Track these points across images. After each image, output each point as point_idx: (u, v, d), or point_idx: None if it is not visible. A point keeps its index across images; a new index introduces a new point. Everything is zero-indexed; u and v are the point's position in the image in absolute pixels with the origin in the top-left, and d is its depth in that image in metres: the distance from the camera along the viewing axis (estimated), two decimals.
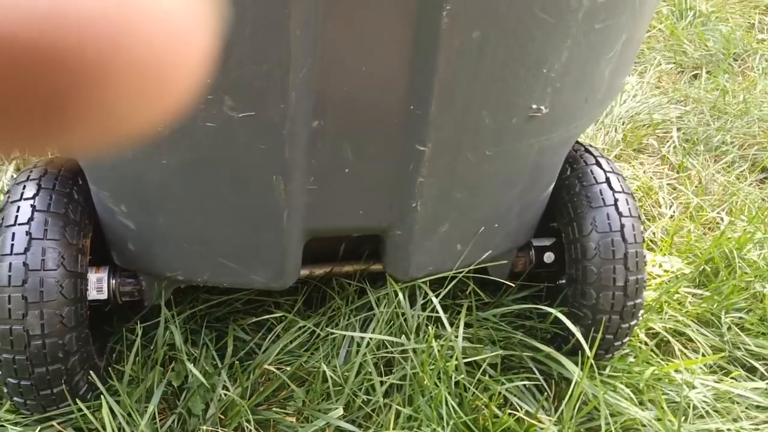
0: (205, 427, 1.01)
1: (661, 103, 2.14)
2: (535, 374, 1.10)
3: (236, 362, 1.08)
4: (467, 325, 1.12)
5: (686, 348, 1.25)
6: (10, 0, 0.14)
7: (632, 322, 1.04)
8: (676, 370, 1.16)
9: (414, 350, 1.04)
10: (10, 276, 0.88)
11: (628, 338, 1.07)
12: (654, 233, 1.54)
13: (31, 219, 0.91)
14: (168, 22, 0.16)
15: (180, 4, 0.16)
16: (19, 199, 0.93)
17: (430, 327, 1.06)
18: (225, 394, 1.04)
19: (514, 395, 1.07)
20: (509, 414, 1.00)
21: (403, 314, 1.08)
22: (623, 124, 1.98)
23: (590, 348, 0.98)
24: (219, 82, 0.74)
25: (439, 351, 1.02)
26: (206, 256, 0.96)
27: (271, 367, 1.09)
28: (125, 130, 0.17)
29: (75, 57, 0.14)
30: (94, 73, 0.15)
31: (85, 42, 0.14)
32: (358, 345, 1.08)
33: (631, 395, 1.07)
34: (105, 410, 0.93)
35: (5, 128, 0.15)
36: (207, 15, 0.17)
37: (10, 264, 0.88)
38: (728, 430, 1.08)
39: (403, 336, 1.06)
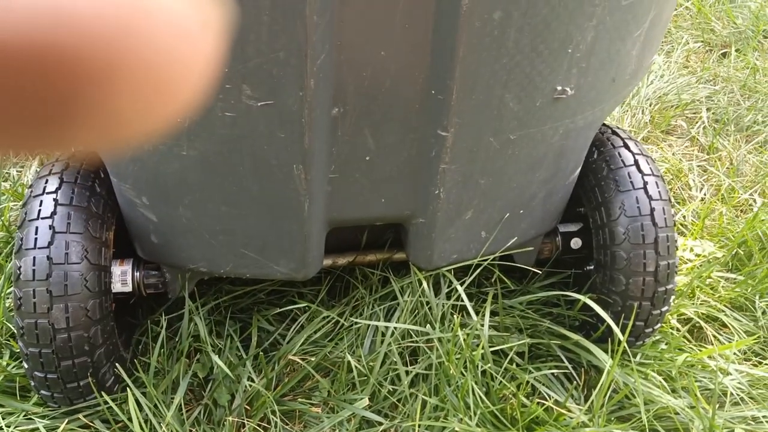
0: (231, 418, 1.01)
1: (690, 82, 2.08)
2: (563, 362, 1.08)
3: (261, 353, 1.08)
4: (493, 314, 1.10)
5: (720, 334, 1.21)
6: (12, 4, 0.14)
7: (664, 309, 1.02)
8: (710, 357, 1.13)
9: (439, 339, 1.02)
10: (34, 270, 0.88)
11: (659, 325, 1.04)
12: (684, 216, 1.50)
13: (54, 213, 0.91)
14: (172, 23, 0.16)
15: (183, 5, 0.16)
16: (42, 193, 0.93)
17: (455, 316, 1.05)
18: (250, 385, 1.04)
19: (542, 384, 1.05)
20: (538, 403, 0.98)
21: (427, 303, 1.07)
22: (650, 105, 1.94)
23: (622, 334, 0.96)
24: (237, 71, 0.73)
25: (464, 340, 1.01)
26: (228, 247, 0.96)
27: (296, 358, 1.08)
28: (131, 131, 0.17)
29: (77, 60, 0.14)
30: (97, 76, 0.15)
31: (87, 44, 0.14)
32: (383, 334, 1.06)
33: (663, 383, 1.05)
34: (131, 402, 0.94)
35: (12, 129, 0.15)
36: (212, 15, 0.17)
37: (34, 258, 0.88)
38: (764, 417, 1.05)
39: (428, 325, 1.05)
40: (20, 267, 0.89)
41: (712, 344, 1.19)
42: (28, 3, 0.14)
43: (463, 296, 1.02)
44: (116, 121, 0.16)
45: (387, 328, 1.06)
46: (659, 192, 1.00)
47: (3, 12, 0.14)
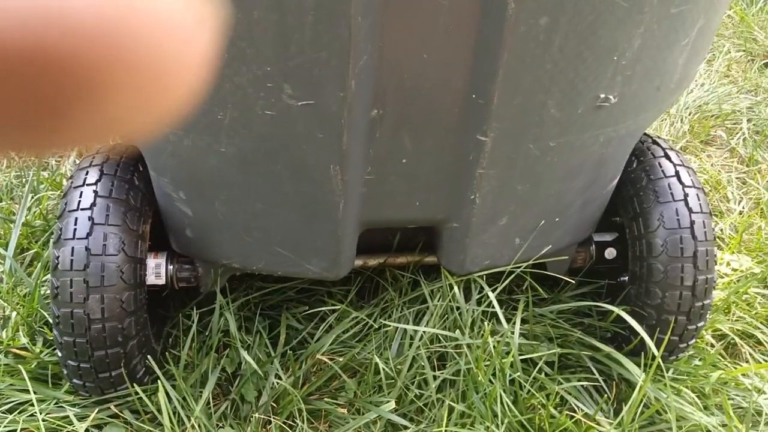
0: (257, 415, 1.01)
1: (731, 92, 2.04)
2: (593, 374, 1.06)
3: (289, 351, 1.08)
4: (523, 321, 1.09)
5: (755, 351, 1.18)
6: (5, 4, 0.14)
7: (699, 324, 0.99)
8: (745, 375, 1.10)
9: (468, 345, 1.02)
10: (72, 260, 0.89)
11: (694, 340, 1.02)
12: (722, 230, 1.47)
13: (93, 204, 0.92)
14: (166, 20, 0.16)
15: (179, 4, 0.16)
16: (82, 185, 0.94)
17: (485, 322, 1.04)
18: (277, 383, 1.04)
19: (572, 395, 1.04)
20: (567, 415, 0.97)
21: (457, 308, 1.06)
22: (690, 114, 1.90)
23: (656, 349, 0.94)
24: (279, 70, 0.73)
25: (494, 347, 1.00)
26: (262, 244, 0.96)
27: (324, 357, 1.08)
28: (126, 128, 0.17)
29: (72, 59, 0.14)
30: (91, 74, 0.15)
31: (80, 43, 0.14)
32: (411, 338, 1.06)
33: (696, 400, 1.02)
34: (162, 394, 0.95)
35: (8, 130, 0.15)
36: (207, 14, 0.17)
37: (73, 248, 0.90)
38: None
39: (458, 330, 1.04)
40: (58, 257, 0.90)
41: (748, 362, 1.16)
42: (22, 3, 0.14)
43: (495, 303, 1.01)
44: (111, 119, 0.16)
45: (416, 331, 1.05)
46: (700, 205, 0.98)
47: None
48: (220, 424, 1.02)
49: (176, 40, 0.16)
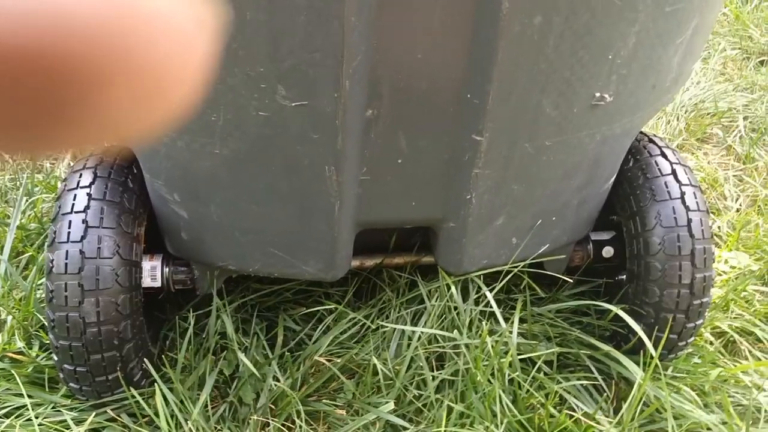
0: (255, 417, 1.01)
1: (727, 90, 2.04)
2: (592, 373, 1.06)
3: (287, 353, 1.08)
4: (521, 321, 1.09)
5: (754, 348, 1.18)
6: (8, 7, 0.14)
7: (698, 322, 0.99)
8: (744, 372, 1.10)
9: (467, 345, 1.01)
10: (66, 264, 0.89)
11: (693, 338, 1.02)
12: (719, 227, 1.46)
13: (87, 207, 0.91)
14: (167, 23, 0.16)
15: (180, 6, 0.16)
16: (76, 188, 0.94)
17: (483, 322, 1.03)
18: (275, 385, 1.04)
19: (571, 394, 1.03)
20: (566, 414, 0.96)
21: (455, 308, 1.05)
22: (686, 112, 1.90)
23: (654, 348, 0.94)
24: (272, 71, 0.73)
25: (493, 347, 0.99)
26: (257, 246, 0.95)
27: (322, 359, 1.08)
28: (127, 130, 0.17)
29: (72, 61, 0.14)
30: (92, 77, 0.15)
31: (82, 46, 0.14)
32: (409, 338, 1.06)
33: (696, 398, 1.02)
34: (159, 398, 0.94)
35: (8, 131, 0.15)
36: (208, 17, 0.17)
37: (67, 252, 0.89)
38: None
39: (456, 331, 1.04)
40: (53, 260, 0.90)
41: (747, 359, 1.16)
42: (24, 5, 0.14)
43: (492, 303, 1.01)
44: (112, 121, 0.16)
45: (414, 332, 1.05)
46: (697, 203, 0.97)
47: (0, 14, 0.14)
48: (219, 427, 1.01)
49: (175, 42, 0.16)
